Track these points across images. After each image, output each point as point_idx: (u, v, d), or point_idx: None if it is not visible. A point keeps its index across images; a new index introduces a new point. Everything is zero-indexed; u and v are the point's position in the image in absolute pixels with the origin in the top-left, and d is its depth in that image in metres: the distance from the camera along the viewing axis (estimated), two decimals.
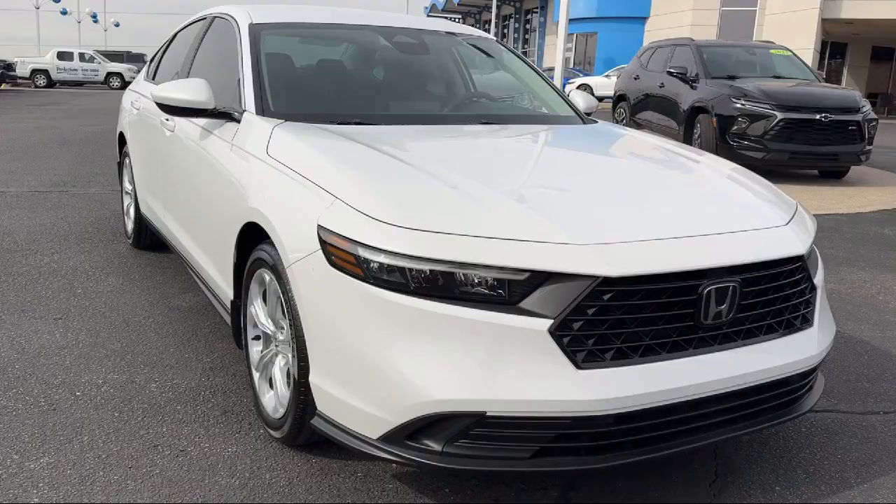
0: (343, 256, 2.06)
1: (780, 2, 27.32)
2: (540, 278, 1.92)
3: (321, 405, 2.21)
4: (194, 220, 3.37)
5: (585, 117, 3.73)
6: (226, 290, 2.97)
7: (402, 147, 2.68)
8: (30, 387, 2.92)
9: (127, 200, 5.19)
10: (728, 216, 2.32)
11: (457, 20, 56.59)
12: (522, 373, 1.90)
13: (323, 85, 3.50)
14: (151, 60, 5.08)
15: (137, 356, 3.25)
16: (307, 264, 2.17)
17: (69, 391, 2.89)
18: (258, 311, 2.67)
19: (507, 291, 1.93)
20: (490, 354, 1.91)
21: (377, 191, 2.18)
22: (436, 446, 1.97)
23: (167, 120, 3.76)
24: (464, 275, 1.93)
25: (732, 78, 10.03)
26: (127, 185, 5.15)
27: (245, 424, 2.68)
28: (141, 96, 4.59)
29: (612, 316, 1.95)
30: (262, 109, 2.98)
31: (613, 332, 1.96)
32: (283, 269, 2.29)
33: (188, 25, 4.51)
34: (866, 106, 9.40)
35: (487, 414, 1.90)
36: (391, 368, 1.97)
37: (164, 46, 4.83)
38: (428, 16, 64.64)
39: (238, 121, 3.00)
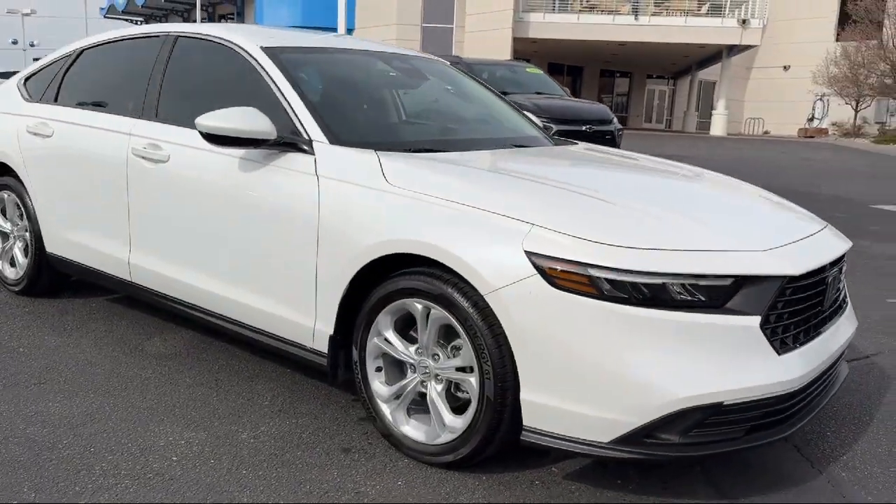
0: (570, 278, 2.26)
1: (477, 21, 30.08)
2: (741, 282, 2.30)
3: (531, 420, 2.37)
4: (231, 257, 3.16)
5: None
6: (305, 326, 2.90)
7: (535, 174, 2.93)
8: (114, 462, 2.58)
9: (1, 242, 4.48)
10: (800, 222, 2.89)
11: (138, 23, 53.19)
12: (743, 364, 2.28)
13: (366, 111, 3.49)
14: (29, 79, 4.44)
15: (184, 411, 3.00)
16: (521, 289, 2.31)
17: (161, 456, 2.63)
18: (394, 341, 2.69)
19: (715, 296, 2.28)
20: (714, 352, 2.26)
21: (573, 216, 2.42)
22: (673, 439, 2.27)
23: (152, 149, 3.42)
24: (680, 284, 2.25)
25: (505, 94, 11.08)
26: (2, 224, 4.45)
27: (384, 457, 2.68)
28: (57, 122, 4.02)
29: (791, 308, 2.41)
30: (334, 138, 2.95)
31: (793, 320, 2.42)
32: (477, 297, 2.40)
33: (110, 43, 4.07)
34: (615, 118, 11.03)
35: (724, 403, 2.24)
36: (632, 375, 2.22)
37: (63, 66, 4.25)
38: (105, 17, 59.86)
39: (306, 151, 2.93)
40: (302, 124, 3.01)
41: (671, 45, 29.66)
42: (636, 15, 28.83)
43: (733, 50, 31.02)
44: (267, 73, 3.20)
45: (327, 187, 2.83)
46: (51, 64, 4.39)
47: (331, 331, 2.85)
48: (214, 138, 2.98)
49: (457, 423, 2.55)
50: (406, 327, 2.72)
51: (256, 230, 3.03)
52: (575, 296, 2.26)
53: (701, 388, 2.22)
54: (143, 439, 2.74)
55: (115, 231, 3.71)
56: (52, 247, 4.11)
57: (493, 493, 2.47)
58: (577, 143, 4.02)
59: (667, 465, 2.65)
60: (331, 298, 2.82)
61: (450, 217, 2.51)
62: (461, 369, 2.54)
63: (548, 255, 2.29)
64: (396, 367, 2.79)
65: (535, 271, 2.30)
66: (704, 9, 29.78)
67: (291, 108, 3.07)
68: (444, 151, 3.11)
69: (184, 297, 3.44)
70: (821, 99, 35.06)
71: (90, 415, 2.93)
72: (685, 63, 36.23)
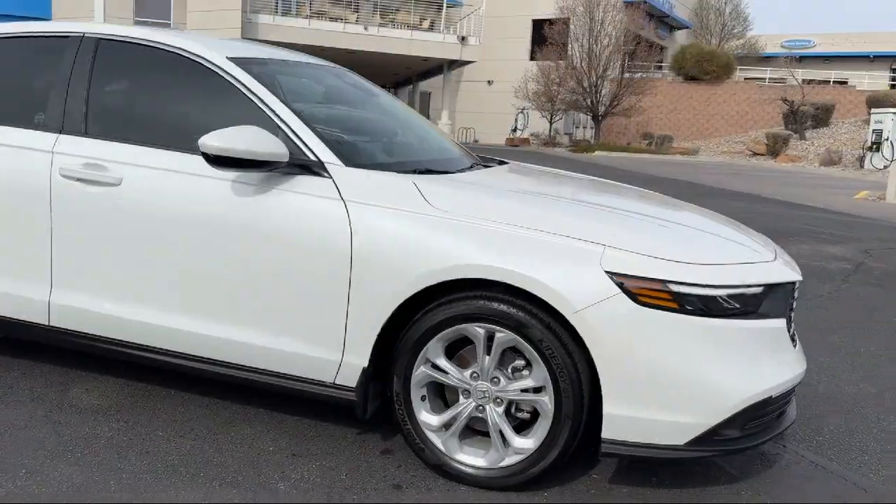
0: (652, 294, 2.47)
1: (200, 19, 28.61)
2: (768, 289, 2.68)
3: (611, 432, 2.53)
4: (224, 291, 2.85)
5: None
6: (328, 361, 2.76)
7: (563, 195, 3.11)
8: None
9: None
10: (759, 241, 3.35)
11: None
12: (778, 360, 2.67)
13: (351, 129, 3.30)
14: None
15: (190, 469, 2.69)
16: (606, 307, 2.46)
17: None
18: (447, 368, 2.67)
19: (754, 303, 2.63)
20: (761, 352, 2.61)
21: (638, 236, 2.64)
22: (734, 434, 2.57)
23: (93, 170, 2.95)
24: (738, 295, 2.57)
25: None
26: None
27: (443, 489, 2.65)
28: None
29: (791, 310, 2.84)
30: (347, 160, 2.83)
31: (791, 321, 2.85)
32: (554, 318, 2.51)
33: None
34: None
35: (772, 396, 2.60)
36: (706, 379, 2.49)
37: None
38: None
39: (317, 173, 2.78)
40: (306, 145, 2.84)
41: (398, 56, 30.85)
42: (366, 25, 29.57)
43: (454, 64, 33.15)
44: (248, 88, 2.95)
45: (360, 213, 2.70)
46: None
47: (364, 363, 2.73)
48: (218, 160, 2.69)
49: (527, 444, 2.61)
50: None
51: (262, 260, 2.79)
52: (657, 311, 2.46)
53: (759, 386, 2.54)
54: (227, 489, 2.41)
55: (25, 267, 3.12)
56: None
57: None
58: (508, 162, 4.18)
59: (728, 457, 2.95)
60: (366, 329, 2.70)
61: (516, 241, 2.56)
62: (525, 390, 2.61)
63: (630, 274, 2.47)
64: (439, 395, 2.77)
65: (618, 290, 2.45)
66: (426, 24, 31.45)
67: (289, 127, 2.87)
68: (437, 172, 3.10)
69: (140, 340, 3.02)
70: (522, 112, 38.78)
71: (81, 488, 2.48)
72: (407, 74, 37.89)
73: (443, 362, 2.68)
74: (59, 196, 3.02)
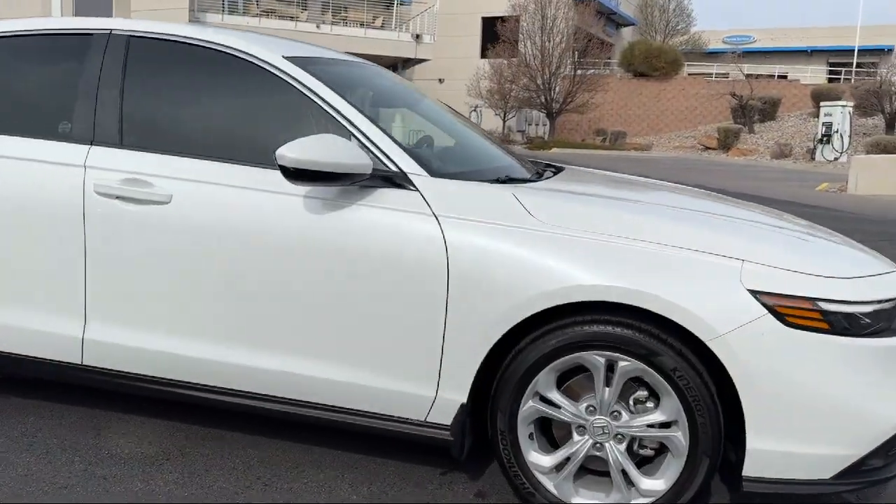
0: (802, 314, 2.23)
1: (146, 18, 27.64)
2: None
3: (753, 469, 2.28)
4: (297, 321, 2.52)
5: None
6: (419, 396, 2.47)
7: (672, 203, 2.88)
8: None
9: None
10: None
11: None
12: None
13: (419, 134, 2.98)
14: None
15: None
16: (751, 331, 2.21)
17: None
18: (560, 401, 2.39)
19: (887, 318, 2.39)
20: None
21: (774, 249, 2.39)
22: (879, 462, 2.35)
23: (135, 186, 2.58)
24: (884, 311, 2.34)
25: None
26: None
27: None
28: None
29: None
30: (432, 170, 2.53)
31: None
32: (690, 344, 2.26)
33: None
34: None
35: None
36: (858, 407, 2.26)
37: None
38: None
39: (401, 186, 2.47)
40: (386, 154, 2.52)
41: (352, 54, 30.27)
42: (318, 24, 28.91)
43: (408, 63, 32.71)
44: (313, 91, 2.62)
45: (455, 230, 2.40)
46: None
47: (463, 399, 2.44)
48: (297, 174, 2.35)
49: (656, 485, 2.35)
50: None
51: (342, 286, 2.47)
52: (805, 332, 2.22)
53: None
54: None
55: (55, 300, 2.72)
56: None
57: None
58: (563, 167, 3.89)
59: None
60: (466, 361, 2.41)
61: (639, 257, 2.30)
62: (652, 425, 2.34)
63: (777, 292, 2.22)
64: (544, 432, 2.48)
65: (765, 311, 2.21)
66: (378, 21, 30.95)
67: (364, 135, 2.55)
68: (516, 181, 2.80)
69: (195, 379, 2.66)
70: (475, 110, 38.60)
71: None
72: None
73: (555, 395, 2.39)
74: (95, 216, 2.63)
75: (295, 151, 2.34)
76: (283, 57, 2.71)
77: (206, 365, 2.63)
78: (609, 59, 42.13)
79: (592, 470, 2.47)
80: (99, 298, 2.68)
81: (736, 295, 2.22)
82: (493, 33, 36.33)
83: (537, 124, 38.36)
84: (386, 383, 2.49)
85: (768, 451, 2.25)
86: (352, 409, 2.55)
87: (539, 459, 2.43)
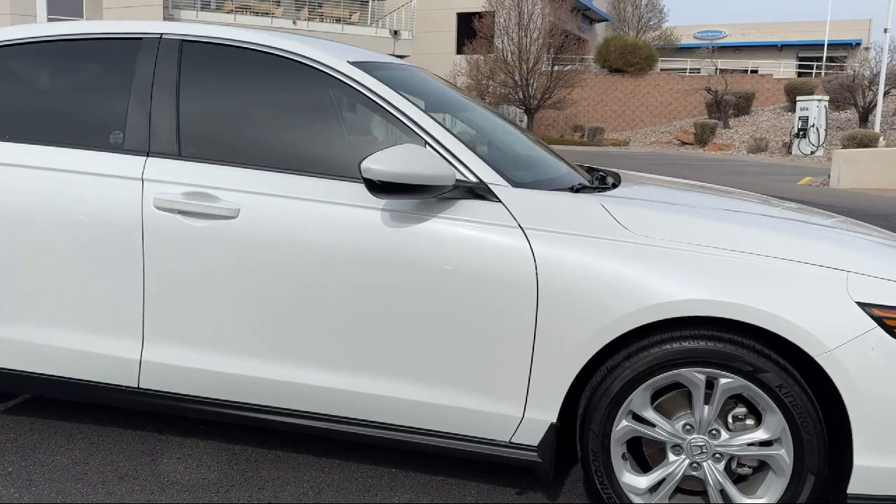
0: None
1: (118, 16, 27.14)
2: None
3: (859, 486, 2.22)
4: (376, 340, 2.41)
5: None
6: (505, 417, 2.38)
7: (749, 209, 2.77)
8: None
9: None
10: None
11: None
12: None
13: (487, 144, 2.86)
14: None
15: None
16: (861, 345, 2.15)
17: None
18: (655, 420, 2.30)
19: None
20: None
21: (874, 257, 2.33)
22: None
23: (200, 200, 2.45)
24: None
25: None
26: None
27: None
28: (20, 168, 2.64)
29: None
30: (513, 181, 2.43)
31: None
32: (795, 360, 2.20)
33: (26, 45, 2.77)
34: None
35: None
36: None
37: None
38: None
39: (483, 197, 2.37)
40: (464, 163, 2.42)
41: None
42: (294, 20, 28.60)
43: None
44: (384, 99, 2.50)
45: (544, 243, 2.30)
46: None
47: (553, 419, 2.35)
48: (383, 187, 2.24)
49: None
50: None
51: (424, 303, 2.36)
52: None
53: None
54: None
55: (110, 320, 2.58)
56: None
57: None
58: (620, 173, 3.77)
59: None
60: (556, 380, 2.32)
61: (739, 269, 2.22)
62: (752, 443, 2.27)
63: (884, 304, 2.16)
64: (633, 451, 2.40)
65: (874, 324, 2.14)
66: (355, 17, 30.71)
67: (440, 143, 2.44)
68: (591, 190, 2.71)
69: (261, 401, 2.54)
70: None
71: None
72: None
73: (651, 414, 2.31)
74: (154, 232, 2.49)
75: (382, 164, 2.22)
76: (348, 62, 2.59)
77: (274, 385, 2.50)
78: (584, 55, 42.33)
79: (682, 489, 2.39)
80: (158, 318, 2.54)
81: (845, 308, 2.15)
82: (469, 29, 36.24)
83: (515, 120, 38.35)
84: (468, 403, 2.39)
85: (876, 469, 2.19)
86: (431, 431, 2.45)
87: (633, 481, 2.35)
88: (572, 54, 35.07)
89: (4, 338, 2.66)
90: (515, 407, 2.36)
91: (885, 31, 24.26)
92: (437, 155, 2.35)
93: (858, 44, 47.41)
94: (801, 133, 25.53)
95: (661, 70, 40.55)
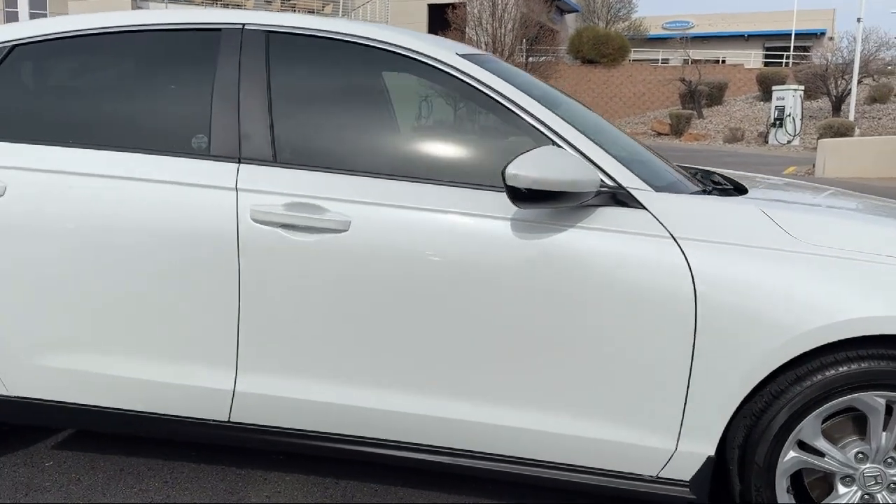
0: None
1: (83, 8, 26.26)
2: None
3: None
4: (515, 368, 2.16)
5: None
6: (652, 449, 2.14)
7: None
8: None
9: None
10: None
11: None
12: None
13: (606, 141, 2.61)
14: None
15: None
16: None
17: None
18: (827, 450, 2.08)
19: None
20: None
21: None
22: None
23: (307, 212, 2.16)
24: None
25: None
26: None
27: None
28: (19, 171, 2.31)
29: None
30: (653, 184, 2.19)
31: None
32: None
33: (84, 37, 2.45)
34: None
35: None
36: None
37: None
38: None
39: (626, 204, 2.12)
40: (599, 166, 2.16)
41: None
42: (265, 10, 28.00)
43: None
44: (505, 96, 2.24)
45: (701, 255, 2.06)
46: None
47: (710, 451, 2.13)
48: (529, 195, 1.99)
49: None
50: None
51: (560, 321, 2.12)
52: None
53: None
54: None
55: (198, 347, 2.28)
56: (8, 384, 2.39)
57: None
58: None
59: None
60: (715, 409, 2.09)
61: None
62: None
63: None
64: (797, 486, 2.19)
65: None
66: (328, 9, 30.17)
67: (571, 144, 2.18)
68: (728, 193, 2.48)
69: (377, 434, 2.27)
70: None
71: None
72: None
73: (822, 444, 2.09)
74: (252, 248, 2.20)
75: (529, 170, 1.97)
76: (457, 55, 2.32)
77: (389, 417, 2.24)
78: (557, 45, 42.23)
79: None
80: (254, 344, 2.26)
81: None
82: (442, 20, 35.86)
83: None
84: (613, 436, 2.15)
85: None
86: (570, 465, 2.21)
87: None
88: (546, 45, 34.91)
89: (74, 369, 2.35)
90: (667, 439, 2.13)
91: (859, 20, 24.42)
92: (577, 158, 2.10)
93: (823, 33, 48.00)
94: (777, 123, 25.66)
95: (632, 61, 40.63)
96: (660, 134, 31.54)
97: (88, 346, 2.34)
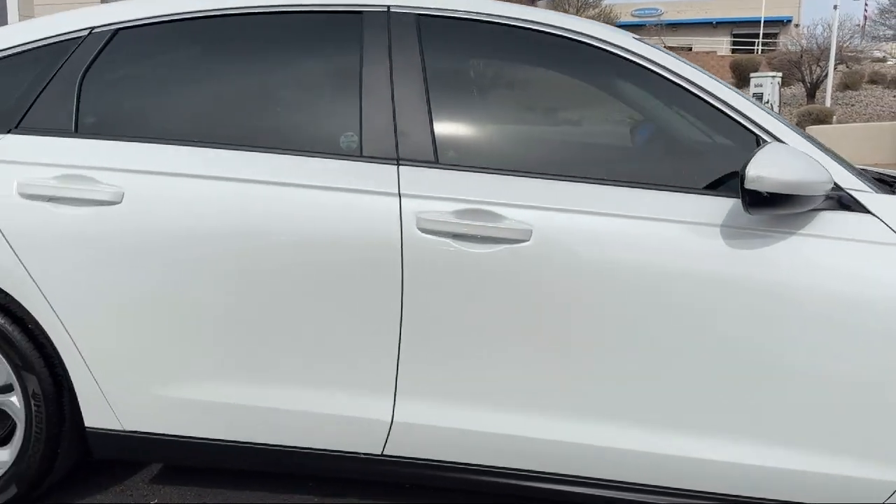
0: None
1: (49, 12, 25.35)
2: None
3: None
4: (724, 393, 1.92)
5: None
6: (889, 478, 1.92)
7: None
8: None
9: None
10: None
11: None
12: None
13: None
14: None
15: None
16: None
17: None
18: None
19: None
20: None
21: None
22: None
23: (478, 219, 1.91)
24: None
25: None
26: None
27: None
28: (136, 174, 2.01)
29: None
30: (873, 184, 1.97)
31: None
32: None
33: (201, 20, 2.16)
34: None
35: None
36: None
37: (66, 62, 2.13)
38: None
39: (849, 208, 1.91)
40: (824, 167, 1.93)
41: None
42: None
43: None
44: (700, 86, 2.00)
45: None
46: (6, 56, 2.21)
47: None
48: (768, 200, 1.76)
49: None
50: None
51: (780, 341, 1.89)
52: None
53: None
54: None
55: (348, 373, 2.03)
56: (121, 416, 2.09)
57: None
58: None
59: None
60: None
61: None
62: None
63: None
64: None
65: None
66: None
67: (776, 138, 1.95)
68: None
69: (552, 468, 2.03)
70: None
71: None
72: None
73: None
74: (418, 260, 1.94)
75: (772, 171, 1.74)
76: (633, 38, 2.08)
77: (579, 450, 1.99)
78: None
79: None
80: (416, 369, 2.00)
81: None
82: None
83: None
84: (841, 469, 1.92)
85: None
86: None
87: None
88: None
89: (200, 400, 2.07)
90: (889, 469, 1.92)
91: (836, 7, 24.62)
92: (809, 157, 1.87)
93: (790, 21, 48.52)
94: None
95: None
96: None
97: (218, 373, 2.06)
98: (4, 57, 2.23)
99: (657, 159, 2.14)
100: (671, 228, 1.90)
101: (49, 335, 2.06)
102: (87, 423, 2.12)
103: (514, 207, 1.93)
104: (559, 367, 1.96)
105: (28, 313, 2.07)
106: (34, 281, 2.03)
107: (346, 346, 2.01)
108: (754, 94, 26.71)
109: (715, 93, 2.00)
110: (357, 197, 1.97)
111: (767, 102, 25.99)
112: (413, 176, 1.98)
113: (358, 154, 2.02)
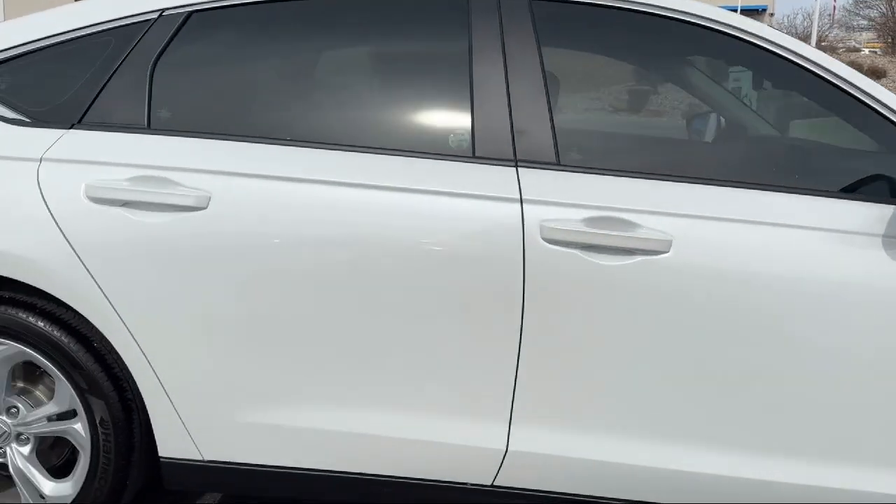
0: None
1: (25, 9, 24.54)
2: None
3: None
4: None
5: None
6: None
7: None
8: None
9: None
10: None
11: None
12: None
13: None
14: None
15: None
16: None
17: None
18: None
19: None
20: None
21: None
22: None
23: (611, 227, 1.74)
24: None
25: None
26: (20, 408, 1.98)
27: None
28: (233, 176, 1.79)
29: None
30: None
31: None
32: None
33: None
34: None
35: None
36: None
37: (135, 49, 1.89)
38: None
39: None
40: None
41: None
42: None
43: None
44: (852, 83, 1.84)
45: None
46: (60, 42, 1.96)
47: None
48: None
49: None
50: None
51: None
52: None
53: None
54: None
55: (458, 396, 1.84)
56: (201, 445, 1.88)
57: None
58: None
59: None
60: None
61: None
62: None
63: None
64: None
65: None
66: None
67: None
68: None
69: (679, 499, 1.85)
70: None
71: None
72: None
73: None
74: (543, 274, 1.75)
75: None
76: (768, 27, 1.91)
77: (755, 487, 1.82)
78: None
79: None
80: (535, 393, 1.81)
81: None
82: None
83: None
84: None
85: None
86: None
87: None
88: None
89: (291, 426, 1.86)
90: None
91: None
92: None
93: (765, 10, 48.86)
94: None
95: None
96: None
97: (313, 396, 1.86)
98: (57, 43, 1.99)
99: (810, 162, 1.98)
100: (828, 237, 1.74)
101: (122, 356, 1.84)
102: (161, 453, 1.91)
103: (650, 215, 1.75)
104: (699, 394, 1.78)
105: (97, 331, 1.84)
106: (105, 295, 1.80)
107: (452, 367, 1.82)
108: (733, 88, 26.88)
109: (871, 92, 1.83)
110: (471, 203, 1.77)
111: (746, 96, 26.18)
112: (534, 179, 1.78)
113: (470, 155, 1.82)
